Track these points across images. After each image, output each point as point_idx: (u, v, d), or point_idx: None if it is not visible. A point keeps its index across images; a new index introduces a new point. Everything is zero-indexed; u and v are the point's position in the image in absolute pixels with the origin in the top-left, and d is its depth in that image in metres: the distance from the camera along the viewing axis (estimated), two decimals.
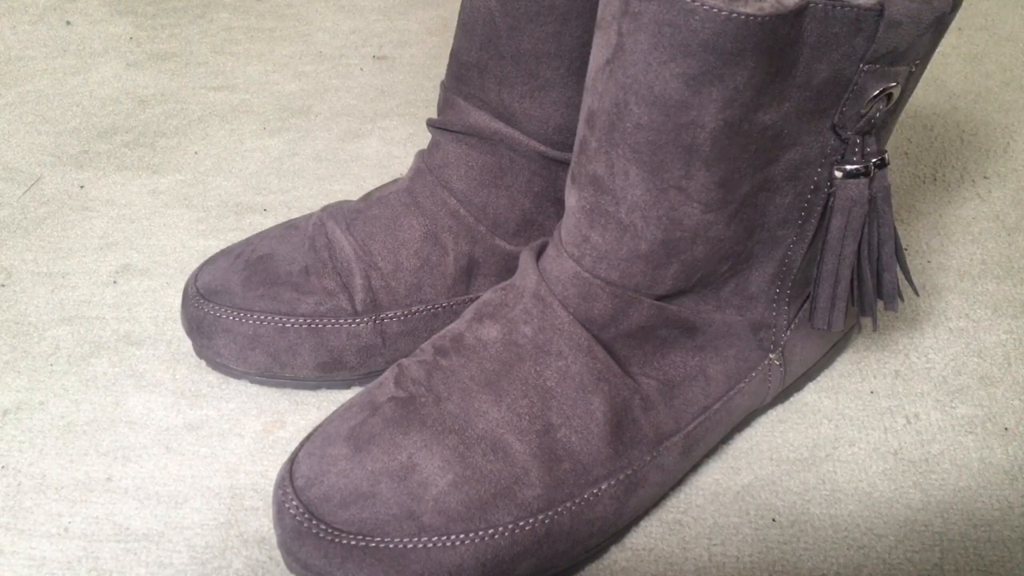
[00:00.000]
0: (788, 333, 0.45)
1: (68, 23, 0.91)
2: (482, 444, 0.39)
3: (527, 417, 0.40)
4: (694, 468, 0.46)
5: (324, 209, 0.52)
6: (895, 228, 0.41)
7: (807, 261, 0.42)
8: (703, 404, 0.43)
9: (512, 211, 0.49)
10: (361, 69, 0.84)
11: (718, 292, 0.42)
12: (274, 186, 0.67)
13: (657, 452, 0.41)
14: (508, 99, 0.46)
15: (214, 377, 0.51)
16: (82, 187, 0.67)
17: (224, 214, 0.64)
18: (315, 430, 0.41)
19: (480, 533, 0.37)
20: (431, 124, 0.50)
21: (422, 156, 0.51)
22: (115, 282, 0.58)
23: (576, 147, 0.39)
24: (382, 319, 0.48)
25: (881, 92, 0.36)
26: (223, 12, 0.94)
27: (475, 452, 0.39)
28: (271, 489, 0.45)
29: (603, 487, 0.40)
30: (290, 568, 0.39)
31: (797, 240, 0.41)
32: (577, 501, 0.39)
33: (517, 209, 0.49)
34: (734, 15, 0.32)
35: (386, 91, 0.80)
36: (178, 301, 0.56)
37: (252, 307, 0.48)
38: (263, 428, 0.48)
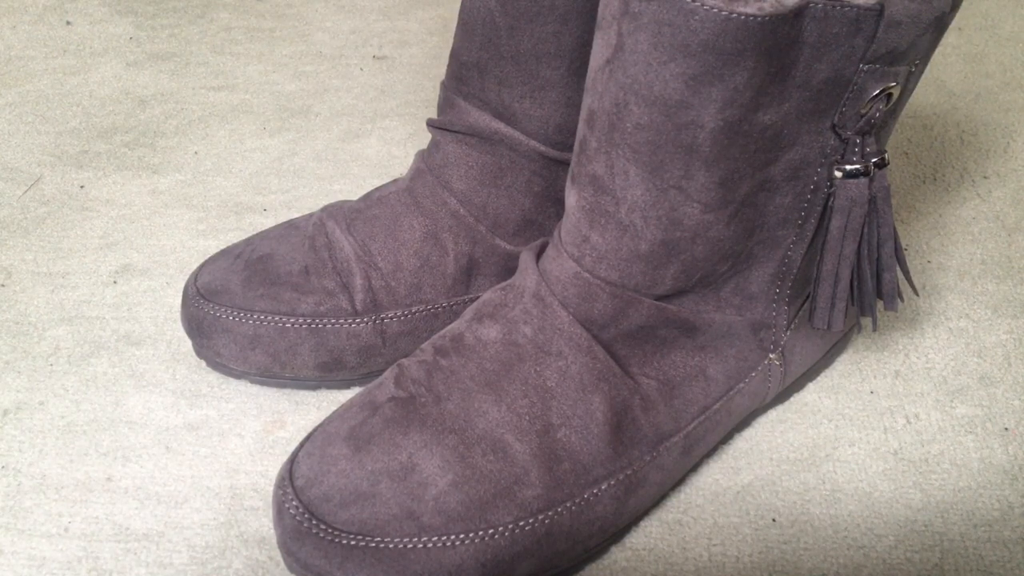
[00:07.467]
0: (788, 333, 0.45)
1: (68, 23, 0.91)
2: (482, 444, 0.39)
3: (527, 417, 0.40)
4: (694, 468, 0.46)
5: (324, 209, 0.52)
6: (895, 228, 0.41)
7: (807, 261, 0.42)
8: (703, 404, 0.43)
9: (512, 211, 0.49)
10: (361, 69, 0.84)
11: (718, 292, 0.42)
12: (274, 186, 0.67)
13: (657, 452, 0.41)
14: (508, 99, 0.46)
15: (214, 377, 0.51)
16: (82, 187, 0.67)
17: (224, 214, 0.64)
18: (315, 430, 0.41)
19: (480, 533, 0.37)
20: (431, 124, 0.50)
21: (422, 156, 0.51)
22: (115, 282, 0.58)
23: (576, 147, 0.39)
24: (382, 319, 0.48)
25: (881, 92, 0.36)
26: (223, 12, 0.94)
27: (475, 452, 0.39)
28: (271, 489, 0.45)
29: (603, 487, 0.40)
30: (290, 568, 0.39)
31: (797, 240, 0.41)
32: (577, 501, 0.39)
33: (517, 209, 0.49)
34: (734, 15, 0.32)
35: (386, 91, 0.80)
36: (178, 301, 0.56)
37: (252, 307, 0.48)
38: (263, 428, 0.48)
